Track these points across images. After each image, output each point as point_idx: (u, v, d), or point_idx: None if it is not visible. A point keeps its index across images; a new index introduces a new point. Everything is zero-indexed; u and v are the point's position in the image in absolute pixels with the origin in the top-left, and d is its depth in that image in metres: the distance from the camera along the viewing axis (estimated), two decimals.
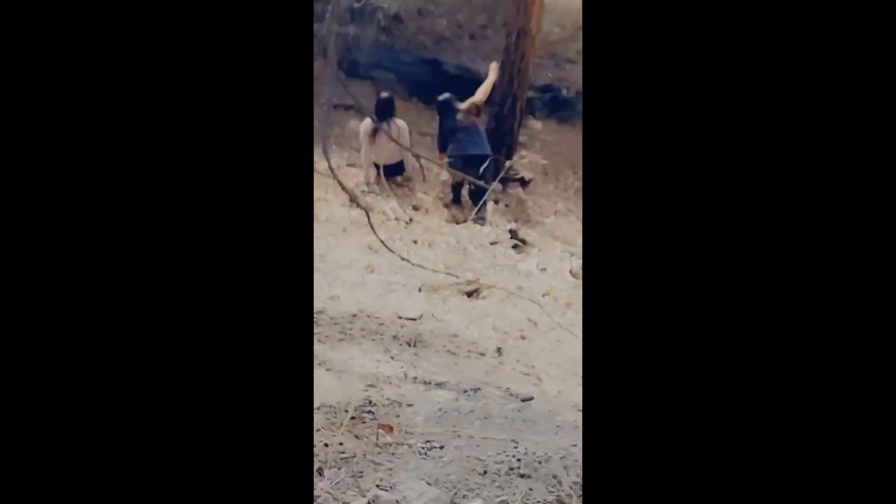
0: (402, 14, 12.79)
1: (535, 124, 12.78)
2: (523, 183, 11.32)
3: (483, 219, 10.07)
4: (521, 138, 11.64)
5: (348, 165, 10.97)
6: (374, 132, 10.38)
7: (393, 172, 10.68)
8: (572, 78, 12.67)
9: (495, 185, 10.02)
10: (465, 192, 10.71)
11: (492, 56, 11.98)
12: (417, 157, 10.44)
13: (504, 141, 11.08)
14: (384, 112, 10.64)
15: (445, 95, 10.84)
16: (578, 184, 12.16)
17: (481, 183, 9.30)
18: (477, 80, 11.44)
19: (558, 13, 12.28)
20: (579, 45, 12.39)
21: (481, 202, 10.07)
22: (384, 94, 11.07)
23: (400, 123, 10.68)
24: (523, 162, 11.68)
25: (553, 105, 12.97)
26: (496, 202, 10.61)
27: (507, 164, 10.92)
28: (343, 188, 6.92)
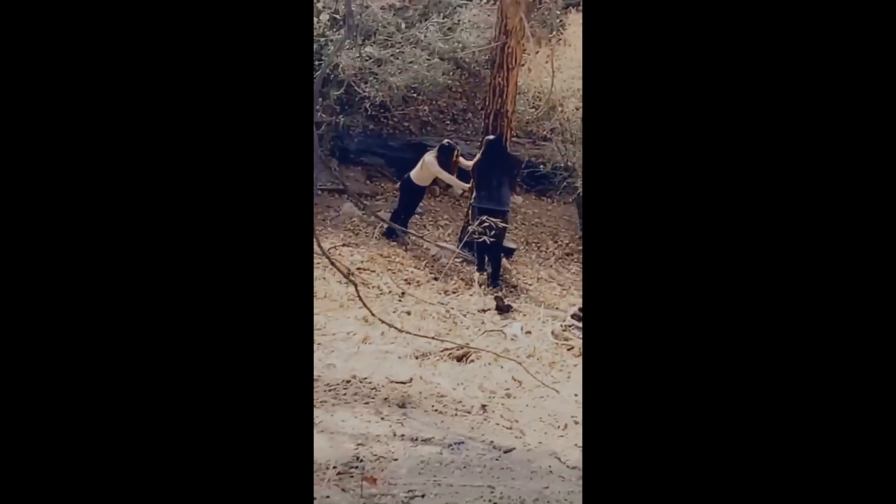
0: (388, 102, 12.92)
1: (516, 199, 12.87)
2: (507, 252, 11.35)
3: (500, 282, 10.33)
4: None
5: (343, 245, 11.02)
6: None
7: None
8: (548, 154, 12.79)
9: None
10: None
11: (472, 137, 12.11)
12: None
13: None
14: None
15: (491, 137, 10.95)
16: (559, 252, 12.24)
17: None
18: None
19: (532, 95, 12.38)
20: (552, 123, 12.52)
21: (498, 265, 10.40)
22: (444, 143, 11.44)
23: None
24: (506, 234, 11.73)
25: (531, 180, 13.10)
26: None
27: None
28: (334, 265, 6.95)
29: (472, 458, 4.19)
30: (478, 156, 10.78)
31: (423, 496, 3.33)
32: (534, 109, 12.56)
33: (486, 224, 9.70)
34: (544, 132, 13.02)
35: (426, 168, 11.02)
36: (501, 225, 9.99)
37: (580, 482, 3.76)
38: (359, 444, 4.34)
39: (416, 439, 4.64)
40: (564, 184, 12.45)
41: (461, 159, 11.21)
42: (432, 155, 11.07)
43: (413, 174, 11.16)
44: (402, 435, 4.70)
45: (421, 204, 11.96)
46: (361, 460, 3.97)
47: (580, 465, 4.45)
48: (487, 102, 11.26)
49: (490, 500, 3.28)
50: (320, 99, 12.23)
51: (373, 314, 6.86)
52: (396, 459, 4.10)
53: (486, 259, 10.49)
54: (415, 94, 13.57)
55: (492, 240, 9.82)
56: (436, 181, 11.41)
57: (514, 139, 11.63)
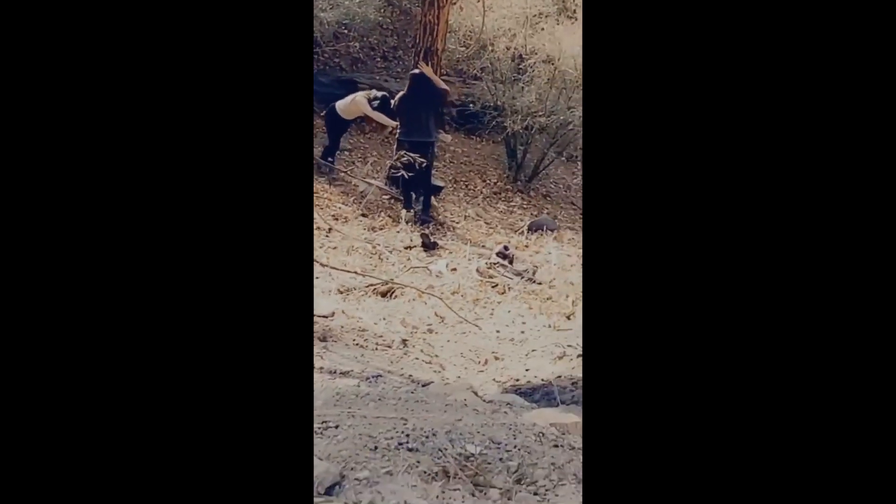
0: (319, 38, 12.79)
1: (445, 137, 12.84)
2: (435, 190, 11.34)
3: (430, 218, 10.43)
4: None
5: None
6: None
7: None
8: (477, 93, 12.77)
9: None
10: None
11: (402, 75, 12.04)
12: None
13: (416, 151, 11.07)
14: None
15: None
16: (487, 191, 12.25)
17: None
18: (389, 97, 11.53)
19: (462, 33, 12.35)
20: (482, 62, 12.49)
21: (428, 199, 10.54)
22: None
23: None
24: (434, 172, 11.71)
25: (460, 119, 13.07)
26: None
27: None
28: None
29: (388, 391, 4.18)
30: (403, 90, 10.68)
31: (336, 427, 3.32)
32: (464, 48, 12.53)
33: (405, 159, 9.71)
34: (474, 71, 13.01)
35: (355, 104, 10.96)
36: (420, 161, 9.99)
37: (494, 415, 3.78)
38: None
39: (335, 372, 4.62)
40: (493, 123, 12.43)
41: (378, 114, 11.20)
42: (365, 97, 10.99)
43: (339, 105, 11.07)
44: (321, 368, 4.69)
45: (350, 140, 11.90)
46: None
47: (497, 398, 4.48)
48: (418, 40, 11.18)
49: (402, 432, 3.27)
50: None
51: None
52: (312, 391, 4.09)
53: (415, 196, 10.48)
54: (346, 31, 13.44)
55: (410, 174, 9.83)
56: (363, 118, 11.33)
57: (444, 77, 11.54)
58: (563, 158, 13.16)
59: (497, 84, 12.56)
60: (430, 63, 10.91)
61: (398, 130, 10.57)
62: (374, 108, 10.91)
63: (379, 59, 13.95)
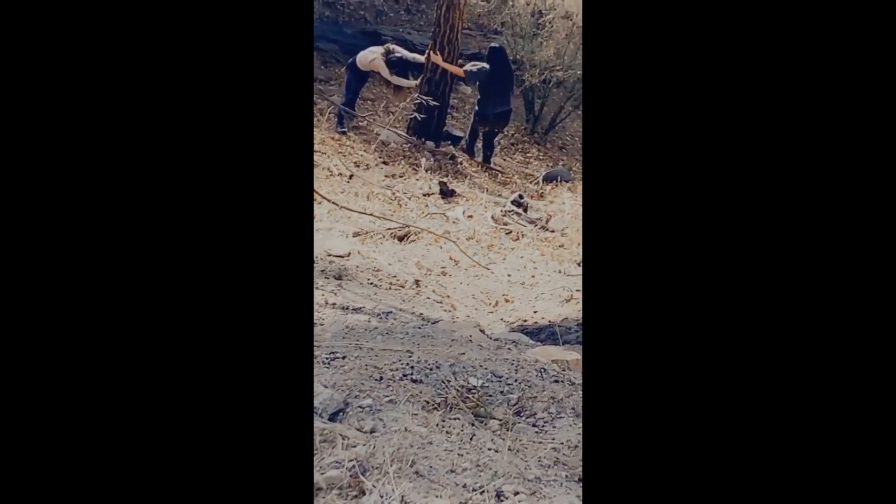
0: None
1: (465, 89, 12.80)
2: (455, 140, 11.34)
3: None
4: (453, 101, 11.60)
5: None
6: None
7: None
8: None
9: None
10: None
11: (425, 28, 11.98)
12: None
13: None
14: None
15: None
16: (504, 142, 12.22)
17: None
18: (414, 50, 11.58)
19: None
20: (502, 17, 12.41)
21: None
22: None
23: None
24: (454, 124, 11.67)
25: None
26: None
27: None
28: None
29: (397, 326, 4.17)
30: (481, 64, 10.87)
31: (343, 357, 3.30)
32: (485, 3, 12.44)
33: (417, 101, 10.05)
34: (495, 26, 12.93)
35: (374, 66, 10.98)
36: (434, 103, 10.48)
37: (498, 351, 3.76)
38: None
39: (347, 308, 4.61)
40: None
41: (401, 50, 11.27)
42: (383, 57, 11.00)
43: (359, 59, 11.07)
44: (334, 304, 4.67)
45: (373, 90, 11.86)
46: None
47: (503, 336, 4.46)
48: None
49: (407, 364, 3.25)
50: None
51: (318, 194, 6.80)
52: (322, 325, 4.07)
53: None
54: None
55: (422, 117, 10.61)
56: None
57: (465, 31, 11.46)
58: (580, 112, 13.08)
59: (516, 38, 12.51)
60: (451, 17, 10.83)
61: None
62: (393, 70, 10.94)
63: (403, 12, 13.88)
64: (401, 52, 11.28)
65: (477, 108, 11.02)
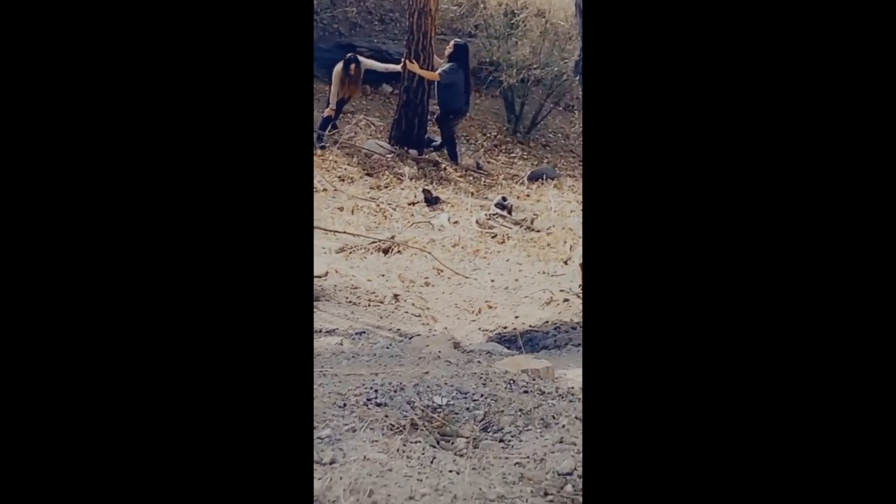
0: (316, 5, 12.70)
1: None
2: (438, 147, 11.33)
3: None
4: (431, 106, 11.58)
5: None
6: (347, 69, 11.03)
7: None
8: (473, 50, 12.65)
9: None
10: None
11: (399, 36, 11.97)
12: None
13: (415, 110, 11.10)
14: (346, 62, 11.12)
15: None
16: (487, 143, 12.19)
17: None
18: (389, 61, 11.62)
19: None
20: (475, 19, 12.39)
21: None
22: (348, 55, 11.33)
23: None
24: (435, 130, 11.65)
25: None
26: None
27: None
28: None
29: (364, 348, 4.13)
30: (450, 64, 10.84)
31: None
32: (457, 7, 12.42)
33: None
34: (468, 29, 12.91)
35: (334, 78, 11.04)
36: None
37: (467, 365, 3.71)
38: None
39: (320, 331, 4.56)
40: (490, 78, 12.38)
41: (372, 62, 11.29)
42: (338, 70, 11.07)
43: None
44: None
45: (352, 103, 11.85)
46: None
47: (478, 348, 4.42)
48: (411, 2, 11.07)
49: (371, 388, 3.21)
50: None
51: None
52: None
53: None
54: None
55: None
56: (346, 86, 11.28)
57: (439, 37, 11.44)
58: (561, 108, 13.09)
59: (491, 40, 12.50)
60: (424, 24, 10.83)
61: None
62: (346, 73, 10.98)
63: (377, 23, 13.86)
64: (374, 64, 11.30)
65: (440, 108, 11.08)
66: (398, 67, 11.18)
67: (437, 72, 10.85)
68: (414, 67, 10.82)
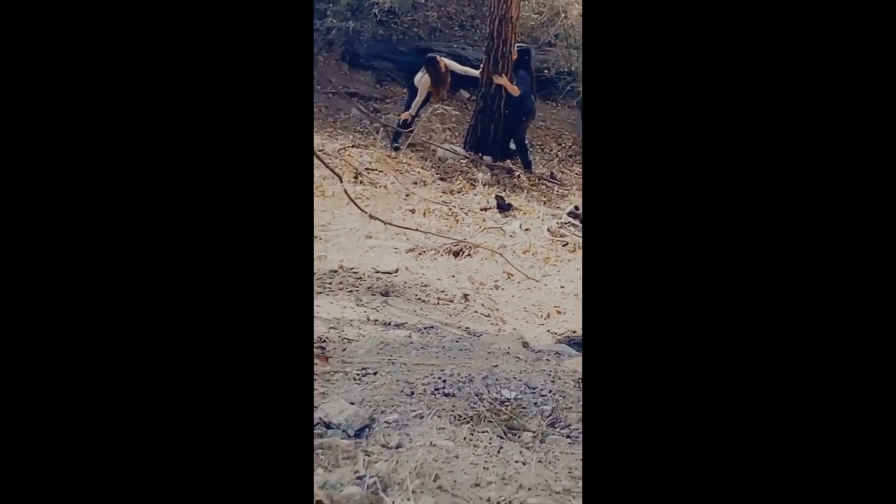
0: (397, 8, 12.77)
1: None
2: (513, 154, 11.33)
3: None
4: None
5: (352, 147, 10.96)
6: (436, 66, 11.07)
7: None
8: (552, 59, 12.66)
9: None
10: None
11: (479, 43, 12.00)
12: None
13: (492, 116, 11.09)
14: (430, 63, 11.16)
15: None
16: (562, 154, 12.16)
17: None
18: (467, 64, 11.64)
19: (535, 1, 12.23)
20: (555, 29, 12.37)
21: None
22: (429, 55, 11.40)
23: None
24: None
25: (536, 85, 12.96)
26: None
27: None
28: (328, 165, 6.91)
29: (433, 341, 4.13)
30: (509, 73, 10.87)
31: (375, 373, 3.27)
32: (538, 15, 12.41)
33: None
34: (548, 38, 12.89)
35: (422, 84, 11.05)
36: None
37: (536, 363, 3.70)
38: (330, 328, 4.28)
39: (389, 324, 4.58)
40: (568, 88, 12.36)
41: (453, 63, 11.27)
42: (420, 75, 11.08)
43: (416, 79, 11.18)
44: (376, 320, 4.65)
45: (429, 107, 11.89)
46: (325, 341, 3.91)
47: (547, 348, 4.40)
48: (492, 8, 11.07)
49: (440, 378, 3.21)
50: (331, 4, 12.11)
51: (362, 210, 6.80)
52: (358, 341, 4.05)
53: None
54: (423, 0, 13.42)
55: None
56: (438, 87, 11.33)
57: (518, 45, 11.44)
58: None
59: (570, 50, 12.46)
60: (504, 31, 10.83)
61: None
62: (436, 70, 11.02)
63: (457, 28, 13.90)
64: (454, 65, 11.31)
65: (512, 113, 11.11)
66: (476, 72, 11.18)
67: (515, 84, 10.88)
68: (503, 81, 10.83)
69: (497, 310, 5.76)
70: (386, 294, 5.36)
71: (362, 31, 12.73)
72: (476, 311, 5.44)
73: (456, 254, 7.44)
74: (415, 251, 7.24)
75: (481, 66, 11.16)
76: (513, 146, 11.33)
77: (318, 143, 9.97)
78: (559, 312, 6.02)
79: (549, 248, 8.06)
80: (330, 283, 5.40)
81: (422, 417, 2.86)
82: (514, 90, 10.88)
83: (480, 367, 3.41)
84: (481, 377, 3.25)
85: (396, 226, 7.53)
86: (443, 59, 11.31)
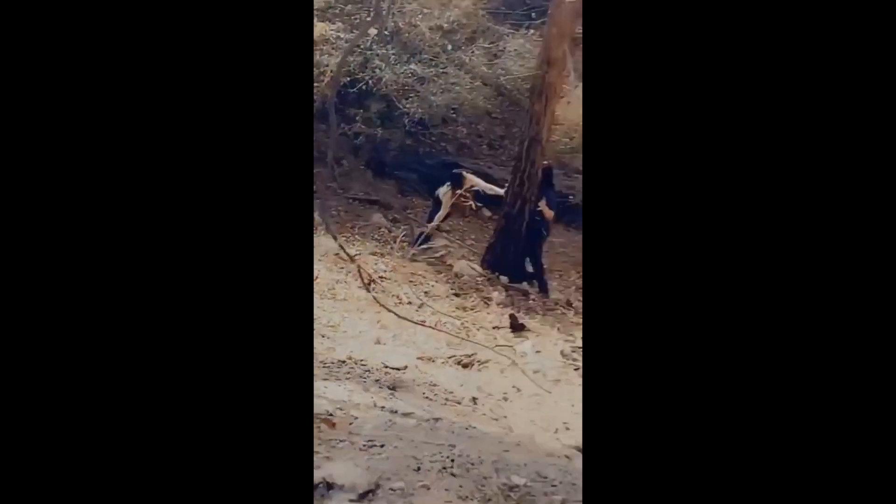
0: (427, 120, 12.92)
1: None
2: (530, 277, 11.32)
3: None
4: None
5: (370, 254, 10.98)
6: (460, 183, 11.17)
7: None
8: (578, 186, 12.73)
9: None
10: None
11: (507, 163, 12.12)
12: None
13: (513, 237, 11.10)
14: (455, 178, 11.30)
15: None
16: (580, 281, 12.14)
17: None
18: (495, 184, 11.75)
19: (567, 126, 12.34)
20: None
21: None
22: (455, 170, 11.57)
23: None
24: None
25: (561, 211, 13.00)
26: None
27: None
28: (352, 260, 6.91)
29: (443, 425, 4.05)
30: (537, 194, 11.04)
31: (381, 446, 3.20)
32: (568, 140, 12.53)
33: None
34: (577, 165, 12.99)
35: (445, 198, 11.15)
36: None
37: (549, 457, 3.62)
38: (337, 408, 4.20)
39: (396, 412, 4.51)
40: None
41: (478, 180, 11.35)
42: (445, 189, 11.19)
43: (439, 191, 11.28)
44: (383, 407, 4.57)
45: (449, 222, 11.94)
46: (332, 414, 3.84)
47: (557, 451, 4.31)
48: (523, 128, 11.20)
49: (448, 457, 3.14)
50: (361, 110, 12.27)
51: (380, 303, 6.78)
52: (364, 417, 3.97)
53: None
54: (454, 115, 13.58)
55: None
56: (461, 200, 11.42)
57: (544, 167, 11.55)
58: None
59: None
60: (533, 154, 10.94)
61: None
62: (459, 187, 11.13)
63: (485, 147, 14.03)
64: (479, 182, 11.40)
65: (529, 233, 11.16)
66: (501, 191, 11.25)
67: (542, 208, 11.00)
68: (549, 215, 10.98)
69: (505, 417, 5.68)
70: (393, 388, 5.29)
71: (391, 140, 12.86)
72: (484, 415, 5.36)
73: (465, 366, 7.37)
74: (422, 359, 7.18)
75: (506, 185, 11.22)
76: (529, 268, 11.32)
77: (334, 247, 9.97)
78: (568, 429, 5.94)
79: (560, 370, 7.98)
80: (338, 372, 5.34)
81: (427, 488, 2.79)
82: (550, 214, 10.96)
83: (490, 451, 3.34)
84: (491, 461, 3.18)
85: (409, 320, 7.49)
86: (468, 175, 11.40)
